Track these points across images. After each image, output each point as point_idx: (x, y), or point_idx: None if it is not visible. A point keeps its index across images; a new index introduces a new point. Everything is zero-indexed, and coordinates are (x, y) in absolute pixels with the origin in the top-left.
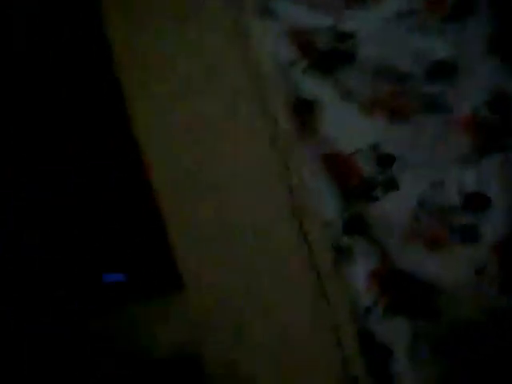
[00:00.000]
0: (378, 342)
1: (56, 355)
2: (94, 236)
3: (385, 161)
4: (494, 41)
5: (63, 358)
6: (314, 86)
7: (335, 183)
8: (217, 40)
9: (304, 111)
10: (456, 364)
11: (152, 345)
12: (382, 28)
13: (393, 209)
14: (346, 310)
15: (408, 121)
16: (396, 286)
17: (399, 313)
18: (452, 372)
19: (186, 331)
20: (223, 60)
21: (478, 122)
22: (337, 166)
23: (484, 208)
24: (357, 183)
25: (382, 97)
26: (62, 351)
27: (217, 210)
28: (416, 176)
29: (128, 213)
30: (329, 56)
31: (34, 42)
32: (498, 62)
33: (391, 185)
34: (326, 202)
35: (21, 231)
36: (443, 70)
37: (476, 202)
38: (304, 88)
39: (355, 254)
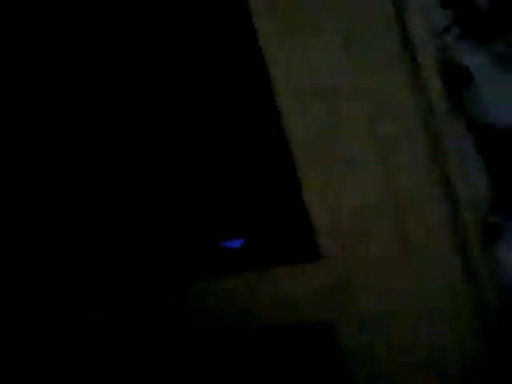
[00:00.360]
0: None
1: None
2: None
3: None
4: None
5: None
6: (468, 55)
7: (488, 158)
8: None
9: (457, 82)
10: None
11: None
12: None
13: None
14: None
15: None
16: None
17: None
18: None
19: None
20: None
21: None
22: (491, 141)
23: None
24: None
25: None
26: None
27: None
28: None
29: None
30: (488, 20)
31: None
32: None
33: None
34: (475, 178)
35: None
36: None
37: None
38: (457, 56)
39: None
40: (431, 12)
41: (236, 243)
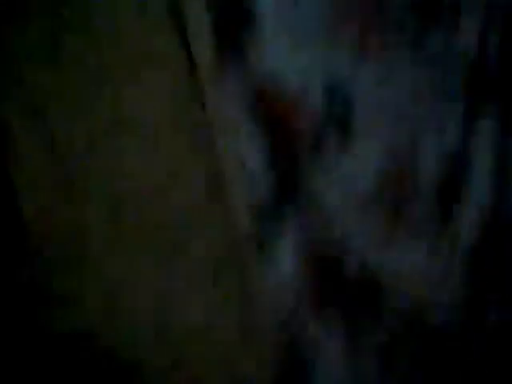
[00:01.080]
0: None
1: None
2: None
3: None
4: None
5: None
6: None
7: (267, 128)
8: None
9: (234, 25)
10: None
11: None
12: None
13: (349, 168)
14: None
15: None
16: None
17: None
18: None
19: None
20: None
21: None
22: (273, 106)
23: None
24: (300, 130)
25: None
26: None
27: None
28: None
29: None
30: None
31: None
32: None
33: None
34: (251, 154)
35: None
36: None
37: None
38: None
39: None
40: None
41: None
